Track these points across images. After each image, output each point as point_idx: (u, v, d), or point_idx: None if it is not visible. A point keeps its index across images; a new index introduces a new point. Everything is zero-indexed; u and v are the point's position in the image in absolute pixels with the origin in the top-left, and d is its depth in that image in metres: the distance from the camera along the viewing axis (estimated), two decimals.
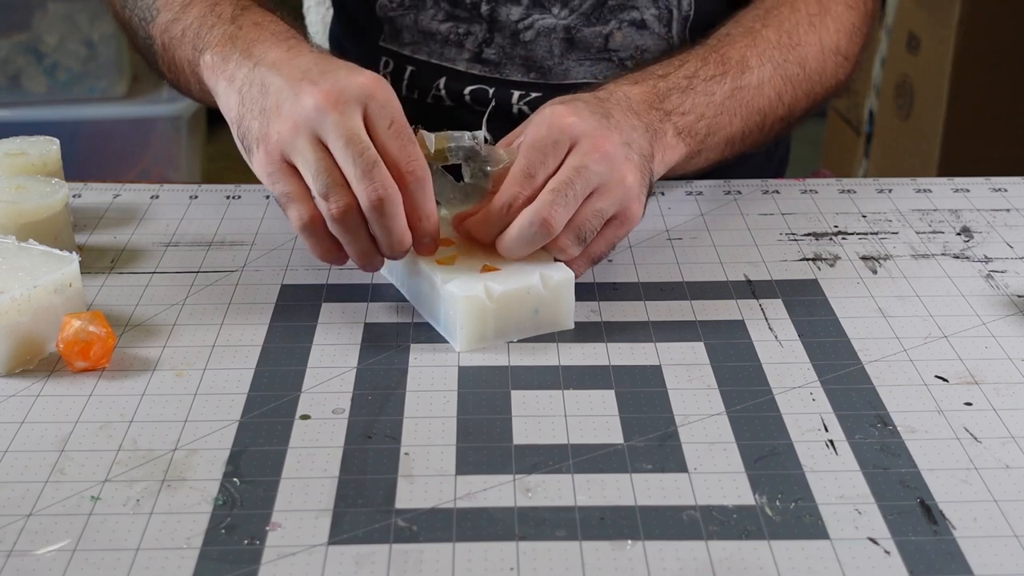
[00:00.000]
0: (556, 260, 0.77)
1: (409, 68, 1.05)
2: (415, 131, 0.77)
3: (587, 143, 0.77)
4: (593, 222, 0.77)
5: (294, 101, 0.75)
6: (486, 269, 0.76)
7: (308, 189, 0.75)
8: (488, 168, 0.79)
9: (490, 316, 0.74)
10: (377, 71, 0.96)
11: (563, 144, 0.77)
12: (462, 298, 0.73)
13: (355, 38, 1.11)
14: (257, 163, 0.78)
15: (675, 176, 0.91)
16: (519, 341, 0.74)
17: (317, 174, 0.73)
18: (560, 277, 0.75)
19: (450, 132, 0.80)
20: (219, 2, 0.87)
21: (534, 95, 1.01)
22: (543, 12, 1.00)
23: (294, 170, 0.75)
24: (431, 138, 0.79)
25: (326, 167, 0.73)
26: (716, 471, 0.63)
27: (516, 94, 1.02)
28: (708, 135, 0.89)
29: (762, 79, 0.92)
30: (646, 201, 0.80)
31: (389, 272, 0.82)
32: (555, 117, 0.78)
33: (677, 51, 0.93)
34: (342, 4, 1.13)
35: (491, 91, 1.02)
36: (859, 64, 1.01)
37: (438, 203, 0.77)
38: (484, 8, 1.00)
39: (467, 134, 0.79)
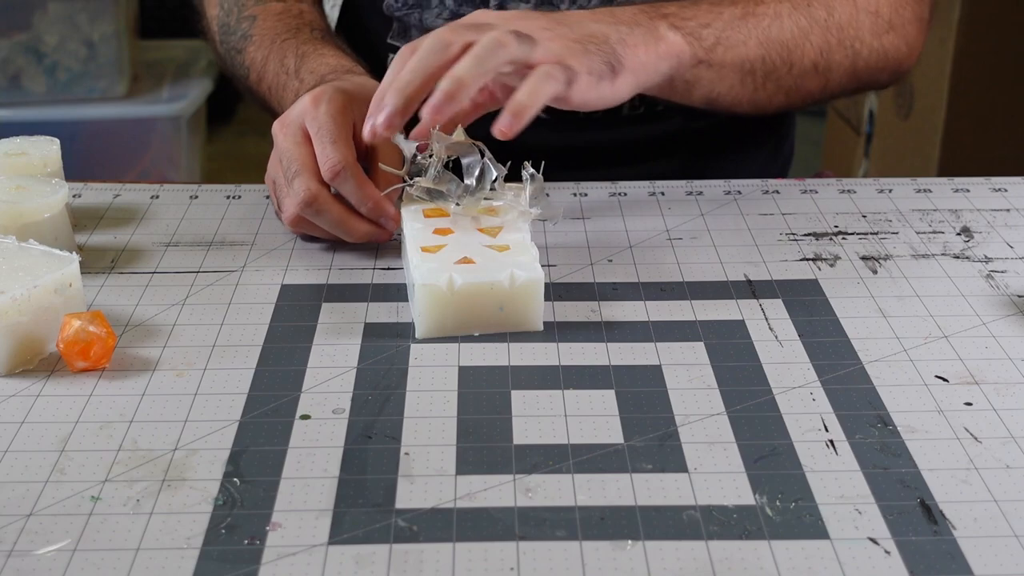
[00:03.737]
0: (525, 257, 0.76)
1: None
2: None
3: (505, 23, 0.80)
4: (523, 37, 0.78)
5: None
6: (461, 261, 0.76)
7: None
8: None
9: (450, 307, 0.74)
10: (384, 68, 0.98)
11: (479, 24, 0.80)
12: (420, 286, 0.74)
13: (362, 35, 1.11)
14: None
15: (693, 102, 0.92)
16: (520, 341, 0.74)
17: (276, 184, 0.85)
18: (528, 277, 0.75)
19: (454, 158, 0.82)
20: (286, 55, 0.97)
21: None
22: (551, 8, 1.00)
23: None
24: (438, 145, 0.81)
25: (281, 179, 0.84)
26: (716, 471, 0.62)
27: None
28: (717, 45, 0.88)
29: (779, 12, 0.91)
30: (604, 69, 0.81)
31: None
32: (479, 14, 0.83)
33: None
34: (351, 2, 1.14)
35: None
36: (915, 46, 0.99)
37: (448, 199, 0.81)
38: (492, 4, 1.00)
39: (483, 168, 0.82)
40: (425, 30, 1.04)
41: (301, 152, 0.82)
